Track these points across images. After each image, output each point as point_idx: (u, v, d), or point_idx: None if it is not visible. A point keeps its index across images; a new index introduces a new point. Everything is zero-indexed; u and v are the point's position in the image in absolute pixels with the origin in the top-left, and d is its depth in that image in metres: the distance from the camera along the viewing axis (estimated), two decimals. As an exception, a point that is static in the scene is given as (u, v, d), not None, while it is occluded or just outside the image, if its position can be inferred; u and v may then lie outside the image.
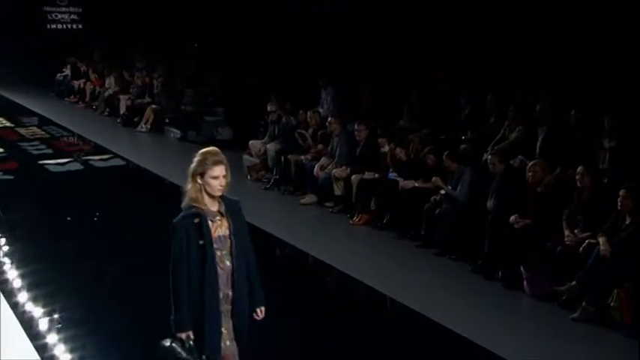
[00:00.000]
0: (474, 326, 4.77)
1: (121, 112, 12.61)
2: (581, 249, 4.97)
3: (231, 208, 3.10)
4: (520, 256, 5.32)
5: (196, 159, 3.07)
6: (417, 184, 6.52)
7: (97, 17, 15.68)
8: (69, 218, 7.21)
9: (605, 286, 4.75)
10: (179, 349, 2.95)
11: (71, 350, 4.42)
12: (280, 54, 10.53)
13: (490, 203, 5.79)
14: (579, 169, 5.27)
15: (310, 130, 8.24)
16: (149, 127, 11.74)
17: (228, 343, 3.09)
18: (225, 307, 3.07)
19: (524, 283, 5.27)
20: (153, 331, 4.52)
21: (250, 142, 9.03)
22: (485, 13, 8.00)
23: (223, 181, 3.04)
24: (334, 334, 4.68)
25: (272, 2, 11.21)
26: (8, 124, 12.43)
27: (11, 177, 8.91)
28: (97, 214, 7.33)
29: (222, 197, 3.08)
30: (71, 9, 16.29)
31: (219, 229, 3.04)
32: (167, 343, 3.00)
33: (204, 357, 2.99)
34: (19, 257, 5.99)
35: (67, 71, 15.12)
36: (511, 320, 5.07)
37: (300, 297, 5.24)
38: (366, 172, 7.08)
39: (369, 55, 9.46)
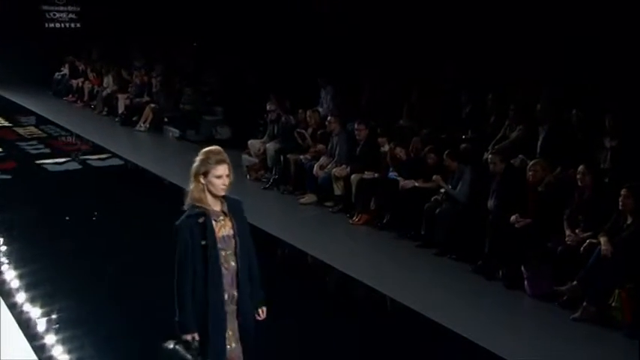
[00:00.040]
0: (474, 326, 4.76)
1: (120, 111, 12.58)
2: (582, 249, 4.95)
3: (233, 207, 3.08)
4: (521, 255, 5.31)
5: (199, 158, 3.04)
6: (417, 184, 6.50)
7: (95, 16, 15.64)
8: (67, 218, 7.18)
9: (606, 286, 4.74)
10: (183, 352, 2.91)
11: (69, 351, 4.40)
12: (279, 53, 10.51)
13: (491, 203, 5.77)
14: (580, 168, 5.25)
15: (310, 130, 8.21)
16: (148, 126, 11.71)
17: (233, 345, 3.06)
18: (231, 308, 3.04)
19: (525, 283, 5.26)
20: (152, 331, 4.53)
21: (249, 142, 9.00)
22: (485, 12, 7.99)
23: (227, 181, 3.01)
24: (334, 335, 4.66)
25: (271, 1, 11.18)
26: (6, 123, 12.40)
27: (9, 176, 8.89)
28: (96, 213, 7.30)
29: (224, 197, 3.05)
30: (69, 8, 16.25)
31: (223, 229, 3.02)
32: (170, 345, 2.97)
33: None
34: (16, 257, 5.97)
35: (65, 70, 15.09)
36: (512, 320, 5.05)
37: (299, 297, 5.21)
38: (366, 172, 7.06)
39: (369, 55, 9.44)
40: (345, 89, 9.05)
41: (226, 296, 3.02)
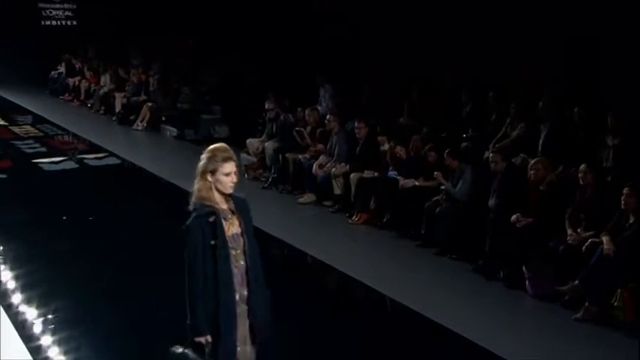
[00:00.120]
0: (474, 327, 4.73)
1: (117, 110, 12.53)
2: (584, 248, 4.92)
3: (239, 205, 3.05)
4: (522, 255, 5.28)
5: (205, 156, 3.00)
6: (417, 183, 6.47)
7: (92, 13, 15.59)
8: (64, 218, 7.12)
9: (608, 285, 4.71)
10: (193, 355, 2.85)
11: (66, 352, 4.36)
12: (278, 51, 10.47)
13: (491, 202, 5.74)
14: (582, 167, 5.22)
15: (309, 128, 8.16)
16: (145, 125, 11.67)
17: (245, 346, 3.01)
18: (242, 308, 2.99)
19: (526, 282, 5.23)
20: (149, 331, 4.49)
21: (248, 141, 8.94)
22: (486, 11, 7.96)
23: (235, 178, 2.98)
24: (333, 335, 4.63)
25: (271, 0, 11.13)
26: (2, 122, 12.33)
27: (5, 176, 8.83)
28: (92, 213, 7.24)
29: (230, 195, 3.02)
30: (66, 5, 16.20)
31: (232, 227, 2.99)
32: (178, 349, 2.91)
33: None
34: (12, 257, 5.91)
35: (62, 68, 15.02)
36: (513, 321, 5.02)
37: (298, 297, 5.17)
38: (366, 171, 7.02)
39: (369, 53, 9.41)
40: (344, 88, 9.01)
41: (237, 296, 2.97)
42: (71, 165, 9.44)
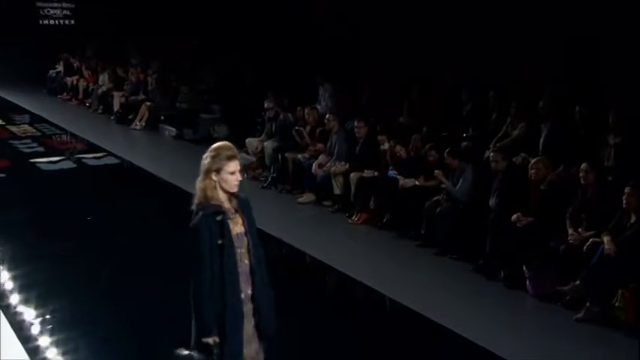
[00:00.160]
0: (475, 327, 4.71)
1: (115, 109, 12.49)
2: (585, 248, 4.91)
3: (242, 204, 3.03)
4: (522, 255, 5.26)
5: (210, 155, 2.98)
6: (417, 183, 6.45)
7: (90, 12, 15.55)
8: (61, 218, 7.08)
9: (609, 286, 4.70)
10: (198, 357, 2.81)
11: (64, 353, 4.34)
12: (277, 50, 10.45)
13: (492, 201, 5.72)
14: (583, 166, 5.20)
15: (308, 128, 8.14)
16: (144, 124, 11.64)
17: (251, 345, 2.99)
18: (248, 307, 2.97)
19: (527, 282, 5.21)
20: (148, 332, 4.46)
21: (247, 140, 8.91)
22: (486, 10, 7.95)
23: (240, 177, 2.97)
24: (333, 335, 4.61)
25: (270, 0, 11.11)
26: (-1, 121, 12.31)
27: (2, 175, 8.80)
28: (90, 213, 7.21)
29: (233, 194, 3.00)
30: (64, 4, 16.17)
31: (236, 226, 2.97)
32: (184, 352, 2.88)
33: None
34: (10, 258, 5.88)
35: (60, 68, 14.99)
36: (513, 321, 5.01)
37: (298, 297, 5.14)
38: (366, 170, 7.00)
39: (369, 53, 9.39)
40: (343, 87, 8.99)
41: (242, 295, 2.95)
42: (69, 164, 9.41)
